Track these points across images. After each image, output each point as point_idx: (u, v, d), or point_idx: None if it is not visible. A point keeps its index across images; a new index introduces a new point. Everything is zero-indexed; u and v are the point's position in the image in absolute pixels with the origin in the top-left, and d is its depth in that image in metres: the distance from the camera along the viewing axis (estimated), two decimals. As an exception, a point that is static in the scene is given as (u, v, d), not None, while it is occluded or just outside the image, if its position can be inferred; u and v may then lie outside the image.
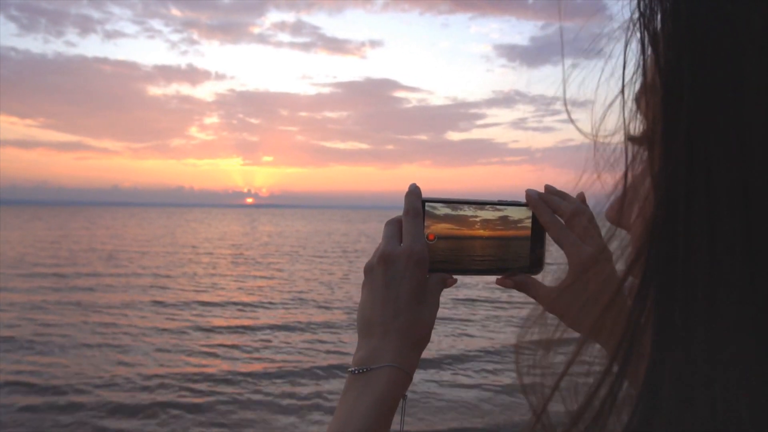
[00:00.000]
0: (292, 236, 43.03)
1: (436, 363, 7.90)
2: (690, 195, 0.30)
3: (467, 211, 0.75)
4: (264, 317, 11.49)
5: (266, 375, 7.50)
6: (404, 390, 0.67)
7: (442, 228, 0.75)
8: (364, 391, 0.65)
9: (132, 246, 29.05)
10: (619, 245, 0.34)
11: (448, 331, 9.91)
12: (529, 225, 0.76)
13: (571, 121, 0.37)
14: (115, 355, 8.41)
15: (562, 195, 0.75)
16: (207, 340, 9.39)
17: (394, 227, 0.73)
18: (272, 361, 8.24)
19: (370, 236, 43.77)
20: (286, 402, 6.53)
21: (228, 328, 10.43)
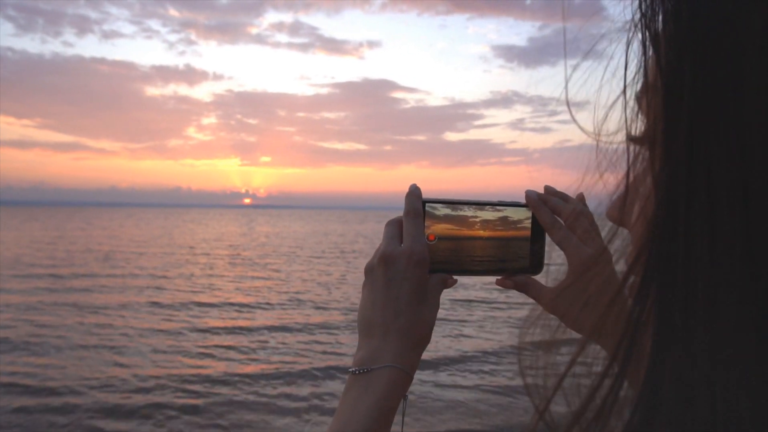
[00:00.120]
0: (289, 237, 43.01)
1: (434, 364, 7.89)
2: (690, 195, 0.30)
3: (467, 212, 0.75)
4: (261, 318, 11.47)
5: (263, 376, 7.49)
6: (405, 390, 0.67)
7: (443, 228, 0.75)
8: (364, 392, 0.65)
9: (129, 247, 28.99)
10: (621, 244, 0.34)
11: (446, 332, 9.91)
12: (529, 226, 0.76)
13: (574, 120, 0.37)
14: (111, 356, 8.39)
15: (561, 196, 0.75)
16: (204, 341, 9.36)
17: (395, 228, 0.73)
18: (269, 362, 8.22)
19: (368, 237, 43.79)
20: (283, 403, 6.52)
21: (225, 328, 10.40)
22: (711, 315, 0.29)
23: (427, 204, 0.74)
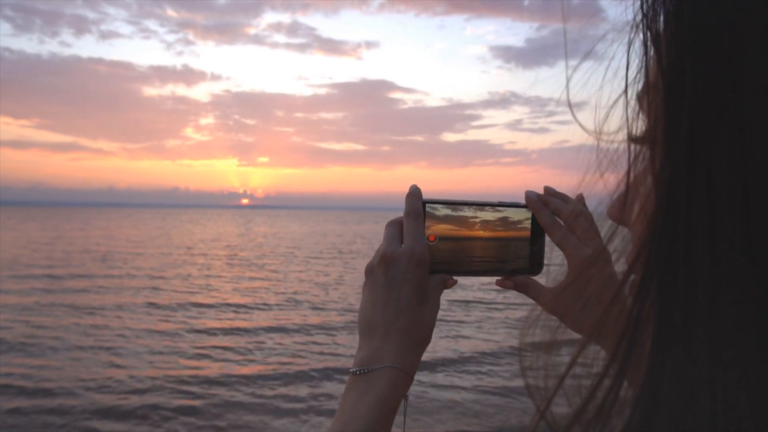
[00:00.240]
0: (287, 237, 42.99)
1: (431, 365, 7.88)
2: (691, 194, 0.30)
3: (467, 213, 0.76)
4: (259, 319, 11.45)
5: (261, 377, 7.47)
6: (405, 390, 0.68)
7: (443, 229, 0.75)
8: (365, 392, 0.65)
9: (126, 247, 28.94)
10: (621, 243, 0.34)
11: (443, 333, 9.90)
12: (529, 226, 0.76)
13: (576, 120, 0.37)
14: (108, 357, 8.36)
15: (561, 196, 0.75)
16: (201, 342, 9.34)
17: (395, 228, 0.73)
18: (267, 363, 8.21)
19: (366, 237, 43.81)
20: (281, 404, 6.50)
21: (222, 329, 10.38)
22: (711, 315, 0.29)
23: (427, 205, 0.75)
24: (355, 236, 45.34)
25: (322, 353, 8.75)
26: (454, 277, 0.75)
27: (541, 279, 0.76)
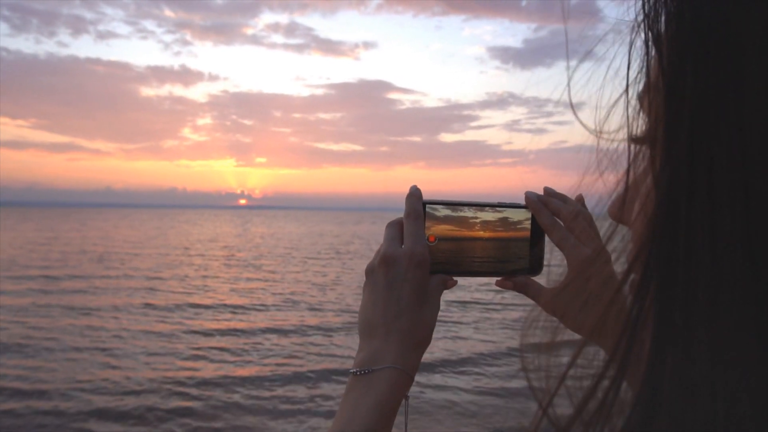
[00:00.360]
0: (284, 238, 42.99)
1: (429, 365, 7.87)
2: (691, 194, 0.30)
3: (467, 213, 0.76)
4: (256, 320, 11.43)
5: (258, 378, 7.45)
6: (406, 391, 0.68)
7: (443, 229, 0.76)
8: (365, 393, 0.65)
9: (123, 248, 28.90)
10: (621, 241, 0.34)
11: (441, 334, 9.89)
12: (529, 227, 0.77)
13: (577, 119, 0.37)
14: (104, 358, 8.33)
15: (561, 197, 0.76)
16: (198, 343, 9.32)
17: (396, 229, 0.74)
18: (264, 364, 8.19)
19: (364, 238, 43.82)
20: (278, 406, 6.49)
21: (219, 330, 10.36)
22: (711, 315, 0.29)
23: (427, 205, 0.75)
24: (352, 237, 45.36)
25: (319, 354, 8.74)
26: (454, 278, 0.75)
27: (540, 279, 0.76)
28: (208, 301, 13.41)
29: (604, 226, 0.37)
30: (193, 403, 6.49)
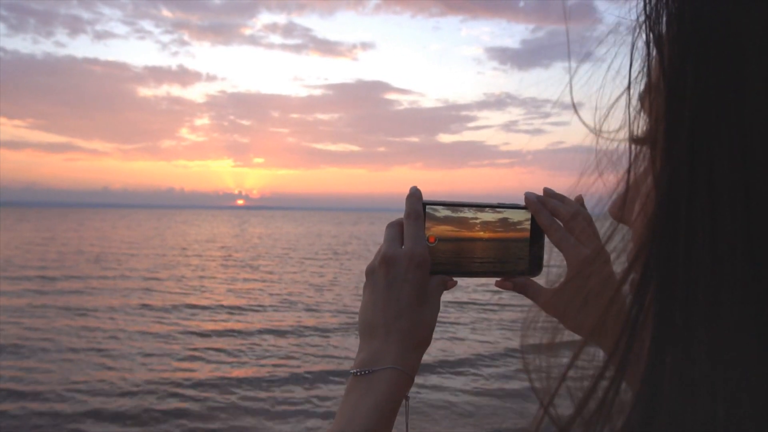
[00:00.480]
0: (282, 238, 42.95)
1: (426, 366, 7.86)
2: (692, 195, 0.30)
3: (467, 214, 0.76)
4: (253, 320, 11.41)
5: (255, 379, 7.43)
6: (406, 391, 0.68)
7: (443, 230, 0.76)
8: (366, 393, 0.65)
9: (120, 248, 28.84)
10: (621, 241, 0.35)
11: (438, 334, 9.88)
12: (529, 227, 0.77)
13: (579, 118, 0.37)
14: (101, 359, 8.30)
15: (560, 198, 0.76)
16: (195, 344, 9.29)
17: (396, 230, 0.74)
18: (261, 365, 8.17)
19: (361, 238, 43.82)
20: (275, 407, 6.47)
21: (216, 331, 10.34)
22: (711, 315, 0.29)
23: (427, 206, 0.75)
24: (350, 237, 45.34)
25: (316, 355, 8.72)
26: (454, 279, 0.75)
27: (540, 280, 0.76)
28: (205, 302, 13.38)
29: (603, 227, 0.37)
30: (189, 404, 6.46)
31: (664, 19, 0.32)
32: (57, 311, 11.75)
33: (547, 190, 0.77)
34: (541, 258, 0.77)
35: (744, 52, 0.30)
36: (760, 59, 0.29)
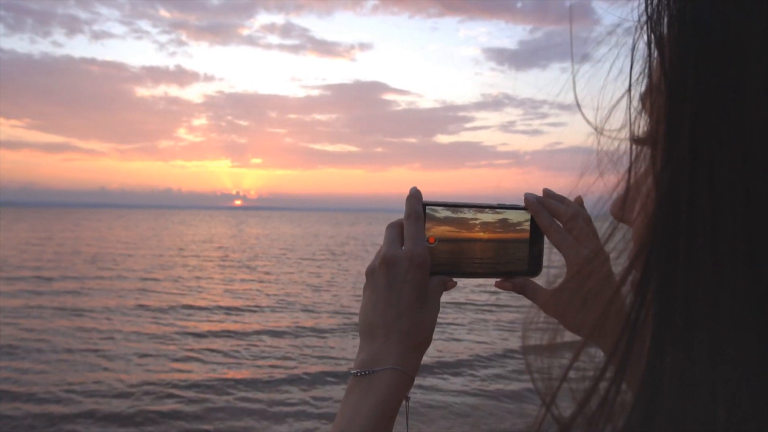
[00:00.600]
0: (279, 239, 42.90)
1: (423, 367, 7.84)
2: (693, 195, 0.30)
3: (467, 214, 0.76)
4: (250, 321, 11.38)
5: (252, 381, 7.40)
6: (406, 392, 0.69)
7: (443, 231, 0.76)
8: (366, 394, 0.66)
9: (117, 248, 28.77)
10: (622, 240, 0.35)
11: (435, 335, 9.85)
12: (528, 228, 0.77)
13: (584, 117, 0.37)
14: (97, 360, 8.26)
15: (560, 198, 0.76)
16: (192, 345, 9.26)
17: (396, 230, 0.74)
18: (258, 366, 8.14)
19: (359, 239, 43.80)
20: (272, 408, 6.44)
21: (213, 332, 10.31)
22: (712, 315, 0.29)
23: (427, 207, 0.75)
24: (347, 238, 45.31)
25: (314, 356, 8.70)
26: (454, 279, 0.75)
27: (539, 280, 0.77)
28: (201, 303, 13.34)
29: (603, 227, 0.37)
30: (185, 406, 6.43)
31: (666, 20, 0.33)
32: (53, 312, 11.71)
33: (546, 191, 0.77)
34: (541, 258, 0.77)
35: (744, 54, 0.30)
36: (761, 60, 0.29)
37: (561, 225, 0.74)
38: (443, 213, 0.76)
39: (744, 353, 0.29)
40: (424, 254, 0.71)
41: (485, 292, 13.81)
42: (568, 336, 0.42)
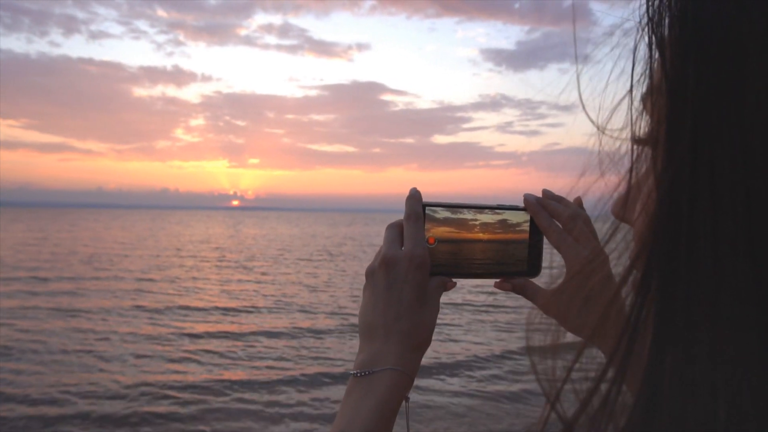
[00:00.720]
0: (277, 239, 42.87)
1: (420, 368, 7.82)
2: (694, 195, 0.30)
3: (467, 215, 0.76)
4: (247, 322, 11.36)
5: (249, 382, 7.38)
6: (406, 392, 0.69)
7: (442, 231, 0.76)
8: (366, 394, 0.66)
9: (114, 249, 28.71)
10: (623, 239, 0.35)
11: (432, 336, 9.85)
12: (528, 229, 0.77)
13: (588, 116, 0.37)
14: (93, 361, 8.23)
15: (559, 199, 0.76)
16: (188, 346, 9.24)
17: (396, 231, 0.74)
18: (255, 367, 8.12)
19: (356, 239, 43.81)
20: (270, 410, 6.43)
21: (210, 333, 10.28)
22: (712, 315, 0.29)
23: (427, 207, 0.75)
24: (345, 238, 45.31)
25: (311, 357, 8.68)
26: (454, 280, 0.76)
27: (539, 281, 0.77)
28: (198, 303, 13.31)
29: (603, 228, 0.37)
30: (182, 407, 6.41)
31: (667, 21, 0.33)
32: (48, 312, 11.67)
33: (546, 192, 0.77)
34: (540, 259, 0.77)
35: (745, 54, 0.30)
36: (761, 61, 0.29)
37: (560, 226, 0.74)
38: (443, 214, 0.76)
39: (744, 353, 0.29)
40: (424, 255, 0.71)
41: (482, 293, 13.81)
42: (570, 337, 0.42)
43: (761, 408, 0.28)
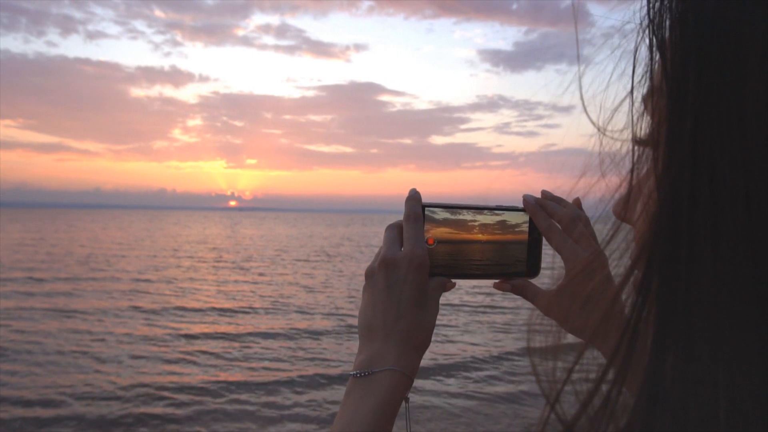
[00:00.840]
0: (274, 240, 42.82)
1: (419, 369, 7.82)
2: (694, 196, 0.30)
3: (466, 216, 0.76)
4: (245, 323, 11.33)
5: (246, 383, 7.36)
6: (406, 393, 0.69)
7: (442, 232, 0.76)
8: (366, 395, 0.66)
9: (111, 249, 28.63)
10: (624, 239, 0.35)
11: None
12: (527, 230, 0.77)
13: (588, 117, 0.37)
14: (89, 362, 8.20)
15: (558, 200, 0.77)
16: (185, 347, 9.21)
17: (395, 232, 0.74)
18: (252, 368, 8.10)
19: (353, 240, 43.79)
20: (266, 411, 6.41)
21: (207, 334, 10.26)
22: (713, 314, 0.30)
23: (426, 208, 0.75)
24: (342, 239, 45.28)
25: (308, 358, 8.66)
26: (453, 280, 0.76)
27: (538, 282, 0.77)
28: (195, 304, 13.28)
29: (602, 230, 0.37)
30: (178, 408, 6.40)
31: (667, 23, 0.33)
32: (44, 313, 11.63)
33: (545, 193, 0.77)
34: (539, 260, 0.78)
35: (745, 56, 0.30)
36: (761, 62, 0.30)
37: (559, 227, 0.74)
38: (442, 214, 0.76)
39: (745, 353, 0.29)
40: (424, 255, 0.71)
41: (480, 293, 13.81)
42: (571, 338, 0.42)
43: (762, 408, 0.28)
